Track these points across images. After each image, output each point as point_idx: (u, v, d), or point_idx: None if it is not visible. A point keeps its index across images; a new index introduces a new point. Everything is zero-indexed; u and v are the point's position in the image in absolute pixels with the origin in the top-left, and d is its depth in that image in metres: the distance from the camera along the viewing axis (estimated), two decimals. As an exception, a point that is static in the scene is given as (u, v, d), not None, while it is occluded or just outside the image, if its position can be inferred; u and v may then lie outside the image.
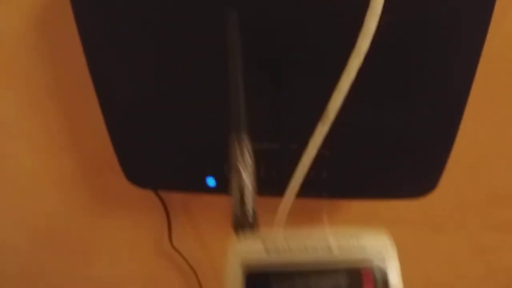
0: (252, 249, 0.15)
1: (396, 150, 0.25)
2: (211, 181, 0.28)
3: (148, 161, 0.29)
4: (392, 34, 0.21)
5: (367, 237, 0.15)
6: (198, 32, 0.22)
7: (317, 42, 0.22)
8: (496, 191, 0.32)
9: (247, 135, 0.16)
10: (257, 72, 0.22)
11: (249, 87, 0.17)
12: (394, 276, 0.14)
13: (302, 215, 0.24)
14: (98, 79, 0.26)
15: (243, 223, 0.15)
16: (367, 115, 0.25)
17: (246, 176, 0.14)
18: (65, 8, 0.25)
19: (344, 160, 0.26)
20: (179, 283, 0.40)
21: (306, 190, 0.21)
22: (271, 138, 0.26)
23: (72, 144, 0.34)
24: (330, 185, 0.26)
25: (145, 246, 0.39)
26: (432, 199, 0.29)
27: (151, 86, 0.25)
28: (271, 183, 0.22)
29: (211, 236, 0.37)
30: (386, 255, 0.14)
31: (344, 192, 0.28)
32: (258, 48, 0.22)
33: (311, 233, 0.15)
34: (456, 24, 0.20)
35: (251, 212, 0.15)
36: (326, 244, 0.14)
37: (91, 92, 0.26)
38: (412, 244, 0.34)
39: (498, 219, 0.33)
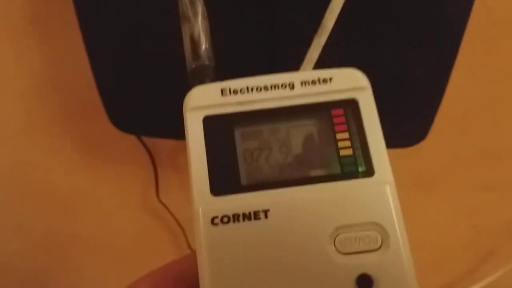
0: (208, 93, 0.14)
1: (386, 94, 0.24)
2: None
3: (134, 103, 0.28)
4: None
5: (334, 72, 0.13)
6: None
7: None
8: (485, 149, 0.32)
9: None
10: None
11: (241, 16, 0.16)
12: (369, 110, 0.13)
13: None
14: (84, 15, 0.25)
15: (200, 76, 0.14)
16: (357, 55, 0.23)
17: (197, 22, 0.13)
18: None
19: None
20: (166, 238, 0.39)
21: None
22: (265, 68, 0.25)
23: (54, 86, 0.33)
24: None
25: (131, 200, 0.38)
26: (422, 158, 0.28)
27: (139, 22, 0.25)
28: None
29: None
30: (356, 86, 0.13)
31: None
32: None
33: (272, 76, 0.14)
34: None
35: (207, 61, 0.14)
36: (288, 81, 0.13)
37: (76, 30, 0.25)
38: (403, 205, 0.33)
39: (487, 179, 0.33)
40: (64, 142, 0.36)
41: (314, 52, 0.17)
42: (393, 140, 0.27)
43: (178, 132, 0.30)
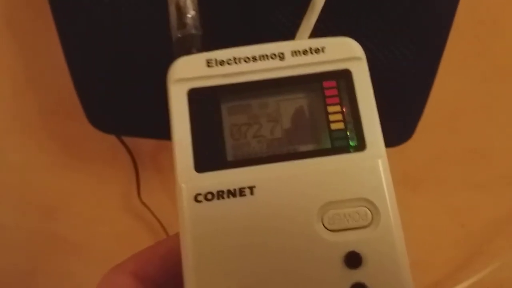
0: (193, 64, 0.13)
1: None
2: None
3: (113, 102, 0.28)
4: None
5: (327, 41, 0.13)
6: None
7: None
8: (473, 147, 0.32)
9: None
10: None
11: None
12: (363, 81, 0.13)
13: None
14: (59, 13, 0.24)
15: (186, 46, 0.14)
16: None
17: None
18: None
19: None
20: (148, 239, 0.38)
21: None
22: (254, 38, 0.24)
23: (30, 86, 0.33)
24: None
25: (112, 201, 0.37)
26: (409, 156, 0.28)
27: (118, 19, 0.24)
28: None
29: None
30: (350, 56, 0.13)
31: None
32: None
33: (261, 45, 0.13)
34: None
35: (193, 30, 0.14)
36: (278, 51, 0.13)
37: (53, 28, 0.25)
38: None
39: (474, 177, 0.33)
40: (42, 143, 0.35)
41: (305, 32, 0.17)
42: None
43: (159, 131, 0.29)
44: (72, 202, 0.38)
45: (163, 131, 0.27)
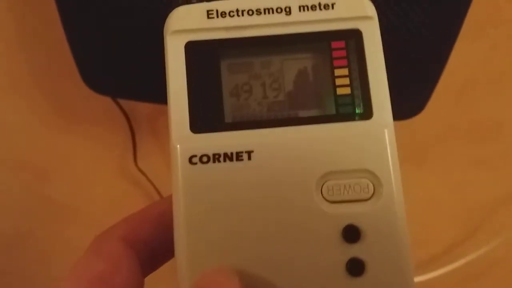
0: (192, 14, 0.12)
1: (386, 60, 0.23)
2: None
3: (110, 63, 0.27)
4: None
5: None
6: None
7: None
8: (480, 121, 0.32)
9: None
10: None
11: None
12: (373, 44, 0.12)
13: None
14: None
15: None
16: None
17: None
18: None
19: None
20: (143, 204, 0.38)
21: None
22: None
23: (20, 42, 0.31)
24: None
25: (107, 165, 0.37)
26: (414, 130, 0.27)
27: None
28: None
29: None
30: (361, 14, 0.12)
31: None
32: None
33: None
34: None
35: None
36: (284, 5, 0.12)
37: None
38: None
39: (479, 153, 0.33)
40: (33, 103, 0.34)
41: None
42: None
43: (157, 95, 0.28)
44: (65, 165, 0.37)
45: (161, 95, 0.26)
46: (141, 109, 0.36)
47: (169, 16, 0.12)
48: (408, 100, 0.24)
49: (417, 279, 0.33)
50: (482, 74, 0.31)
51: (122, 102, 0.33)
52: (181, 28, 0.12)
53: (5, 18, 0.32)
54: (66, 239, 0.39)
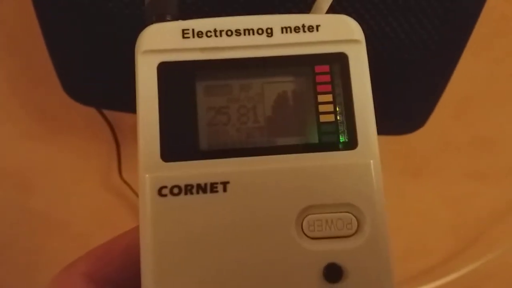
0: (166, 33, 0.12)
1: (389, 75, 0.22)
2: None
3: (92, 72, 0.26)
4: None
5: (322, 18, 0.11)
6: None
7: None
8: (478, 135, 0.32)
9: None
10: None
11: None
12: (359, 68, 0.11)
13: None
14: None
15: (160, 10, 0.12)
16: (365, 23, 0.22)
17: None
18: None
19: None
20: (127, 216, 0.37)
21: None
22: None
23: (1, 48, 0.30)
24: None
25: (92, 177, 0.36)
26: (412, 142, 0.27)
27: None
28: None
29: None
30: (348, 37, 0.11)
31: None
32: None
33: (247, 17, 0.12)
34: None
35: None
36: (266, 26, 0.11)
37: None
38: (385, 190, 0.33)
39: (476, 166, 0.33)
40: (14, 111, 0.33)
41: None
42: (388, 126, 0.25)
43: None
44: (48, 176, 0.37)
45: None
46: (127, 119, 0.36)
47: (141, 34, 0.12)
48: (410, 115, 0.24)
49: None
50: (481, 89, 0.31)
51: (107, 111, 0.33)
52: (154, 48, 0.11)
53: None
54: (47, 251, 0.38)
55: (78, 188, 0.38)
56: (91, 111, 0.31)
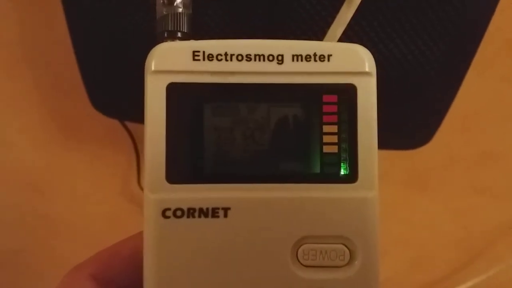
0: (177, 54, 0.12)
1: (397, 92, 0.22)
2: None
3: (118, 87, 0.26)
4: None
5: (335, 47, 0.11)
6: None
7: None
8: (484, 149, 0.32)
9: None
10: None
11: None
12: (367, 102, 0.11)
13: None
14: None
15: (171, 27, 0.12)
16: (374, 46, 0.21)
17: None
18: None
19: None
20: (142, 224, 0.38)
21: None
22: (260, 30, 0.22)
23: (27, 59, 0.31)
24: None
25: (110, 185, 0.36)
26: (418, 156, 0.27)
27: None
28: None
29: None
30: (359, 69, 0.11)
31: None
32: None
33: (259, 41, 0.12)
34: None
35: (182, 8, 0.12)
36: (277, 53, 0.11)
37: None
38: (392, 202, 0.33)
39: (482, 180, 0.33)
40: (36, 120, 0.34)
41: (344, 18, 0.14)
42: (395, 142, 0.26)
43: None
44: (65, 181, 0.38)
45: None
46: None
47: (151, 53, 0.12)
48: (417, 132, 0.25)
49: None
50: (486, 105, 0.31)
51: (128, 123, 0.33)
52: (164, 69, 0.12)
53: (15, 37, 0.31)
54: (61, 256, 0.38)
55: (96, 195, 0.38)
56: (113, 122, 0.31)
